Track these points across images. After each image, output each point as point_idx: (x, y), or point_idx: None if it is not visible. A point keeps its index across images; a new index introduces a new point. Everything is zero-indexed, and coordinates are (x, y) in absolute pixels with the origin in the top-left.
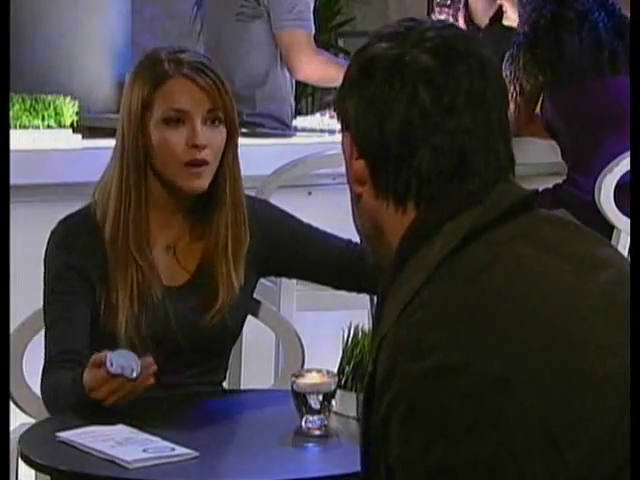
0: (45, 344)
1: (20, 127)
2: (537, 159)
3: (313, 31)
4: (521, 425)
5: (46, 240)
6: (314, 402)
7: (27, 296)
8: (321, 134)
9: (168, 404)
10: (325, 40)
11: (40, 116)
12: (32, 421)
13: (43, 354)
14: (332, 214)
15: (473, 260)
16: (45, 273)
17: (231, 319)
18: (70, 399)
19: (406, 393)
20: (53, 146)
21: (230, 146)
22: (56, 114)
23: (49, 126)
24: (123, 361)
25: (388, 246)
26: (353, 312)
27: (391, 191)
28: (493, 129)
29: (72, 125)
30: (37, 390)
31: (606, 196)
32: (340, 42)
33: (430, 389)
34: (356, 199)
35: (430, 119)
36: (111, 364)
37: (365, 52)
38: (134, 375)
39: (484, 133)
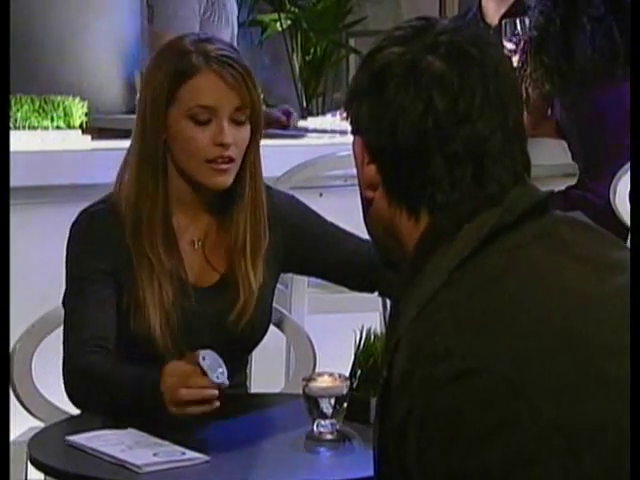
0: (67, 330)
1: (29, 128)
2: (550, 160)
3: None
4: (538, 431)
5: (58, 240)
6: (326, 406)
7: (41, 297)
8: (332, 135)
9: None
10: (336, 40)
11: (49, 117)
12: (41, 425)
13: (63, 342)
14: (343, 216)
15: (490, 263)
16: (67, 263)
17: (257, 317)
18: (123, 393)
19: (423, 398)
20: (62, 147)
21: (253, 143)
22: (65, 115)
23: (58, 127)
24: (213, 362)
25: (401, 249)
26: (365, 315)
27: (403, 198)
28: (509, 133)
29: (81, 126)
30: (46, 393)
31: (621, 198)
32: (351, 42)
33: (447, 394)
34: (367, 204)
35: (445, 127)
36: (203, 358)
37: (377, 56)
38: (218, 381)
39: (500, 138)
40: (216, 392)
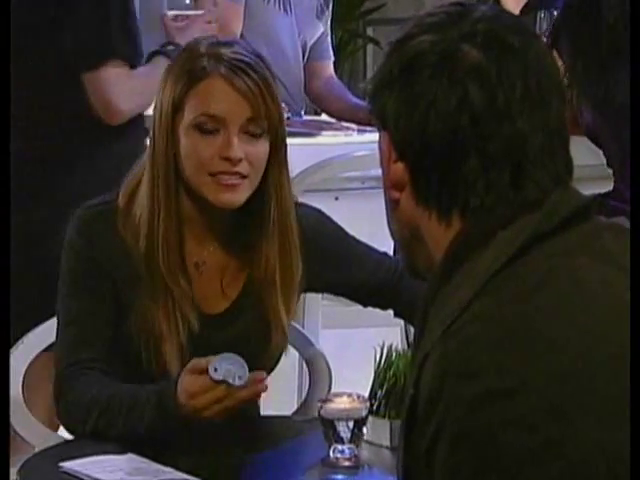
0: (58, 346)
1: None
2: (584, 161)
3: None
4: (582, 456)
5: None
6: (343, 430)
7: None
8: (348, 133)
9: (185, 431)
10: (353, 29)
11: None
12: (33, 450)
13: (55, 361)
14: (361, 221)
15: (529, 273)
16: (62, 266)
17: (277, 346)
18: (133, 415)
19: (454, 418)
20: None
21: (275, 159)
22: None
23: None
24: (229, 366)
25: (428, 255)
26: (385, 330)
27: (433, 200)
28: (551, 132)
29: None
30: (37, 416)
31: None
32: (369, 31)
33: (481, 415)
34: (393, 205)
35: (481, 124)
36: (214, 369)
37: (407, 45)
38: (239, 383)
39: (541, 137)
40: (245, 393)
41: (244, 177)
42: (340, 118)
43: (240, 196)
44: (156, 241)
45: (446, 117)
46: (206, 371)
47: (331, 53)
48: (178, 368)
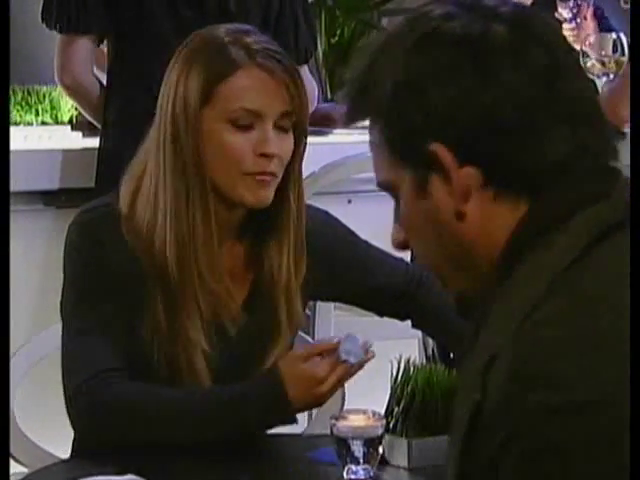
0: (70, 357)
1: (10, 123)
2: None
3: None
4: None
5: (42, 252)
6: (358, 449)
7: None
8: (363, 131)
9: (189, 450)
10: (366, 19)
11: (33, 111)
12: (25, 471)
13: (67, 371)
14: (375, 226)
15: (610, 266)
16: (68, 272)
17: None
18: (228, 414)
19: (530, 430)
20: (49, 146)
21: (297, 156)
22: (52, 108)
23: (44, 122)
24: (351, 346)
25: (479, 264)
26: (401, 342)
27: (508, 188)
28: (601, 116)
29: (71, 121)
30: (32, 435)
31: None
32: (384, 22)
33: (562, 428)
34: (449, 222)
35: (552, 106)
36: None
37: (446, 31)
38: (354, 361)
39: (597, 121)
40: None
41: (275, 176)
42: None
43: (270, 194)
44: (188, 253)
45: (514, 93)
46: (325, 353)
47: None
48: (206, 374)
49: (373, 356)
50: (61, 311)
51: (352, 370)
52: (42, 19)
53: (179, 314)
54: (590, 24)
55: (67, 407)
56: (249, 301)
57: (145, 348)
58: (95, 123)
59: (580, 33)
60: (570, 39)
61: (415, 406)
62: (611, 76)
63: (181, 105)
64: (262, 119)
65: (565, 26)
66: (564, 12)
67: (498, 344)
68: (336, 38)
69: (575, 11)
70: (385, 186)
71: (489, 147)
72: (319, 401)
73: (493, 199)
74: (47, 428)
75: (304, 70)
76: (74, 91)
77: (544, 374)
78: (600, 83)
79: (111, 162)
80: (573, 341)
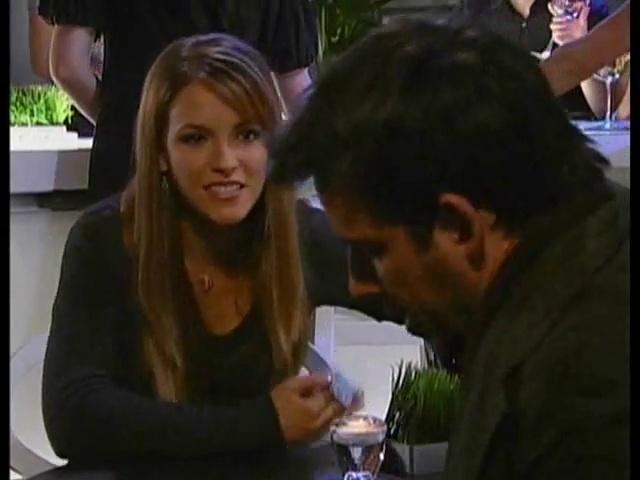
0: (53, 358)
1: None
2: None
3: None
4: None
5: (39, 255)
6: (358, 456)
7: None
8: None
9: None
10: (367, 18)
11: (28, 111)
12: (19, 478)
13: (48, 377)
14: None
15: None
16: (65, 273)
17: (280, 369)
18: (212, 436)
19: (572, 438)
20: (44, 147)
21: None
22: (47, 108)
23: (39, 123)
24: (342, 387)
25: (476, 298)
26: (402, 347)
27: (501, 225)
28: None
29: (66, 122)
30: (26, 442)
31: None
32: (385, 21)
33: (608, 438)
34: (463, 271)
35: (568, 139)
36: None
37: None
38: (346, 403)
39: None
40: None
41: (242, 186)
42: None
43: (240, 209)
44: (151, 265)
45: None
46: (317, 389)
47: None
48: (172, 395)
49: (362, 406)
50: (53, 311)
51: (342, 412)
52: (40, 12)
53: (155, 327)
54: (580, 23)
55: (44, 409)
56: (247, 319)
57: (132, 358)
58: (91, 120)
59: (568, 30)
60: (557, 34)
61: (416, 412)
62: (617, 76)
63: (141, 123)
64: (213, 133)
65: (554, 19)
66: (556, 7)
67: (523, 352)
68: (336, 37)
69: (570, 9)
70: (361, 243)
71: (499, 187)
72: (313, 437)
73: (492, 232)
74: (42, 435)
75: (302, 73)
76: (70, 85)
77: (588, 381)
78: (606, 83)
79: (103, 161)
80: (611, 345)
